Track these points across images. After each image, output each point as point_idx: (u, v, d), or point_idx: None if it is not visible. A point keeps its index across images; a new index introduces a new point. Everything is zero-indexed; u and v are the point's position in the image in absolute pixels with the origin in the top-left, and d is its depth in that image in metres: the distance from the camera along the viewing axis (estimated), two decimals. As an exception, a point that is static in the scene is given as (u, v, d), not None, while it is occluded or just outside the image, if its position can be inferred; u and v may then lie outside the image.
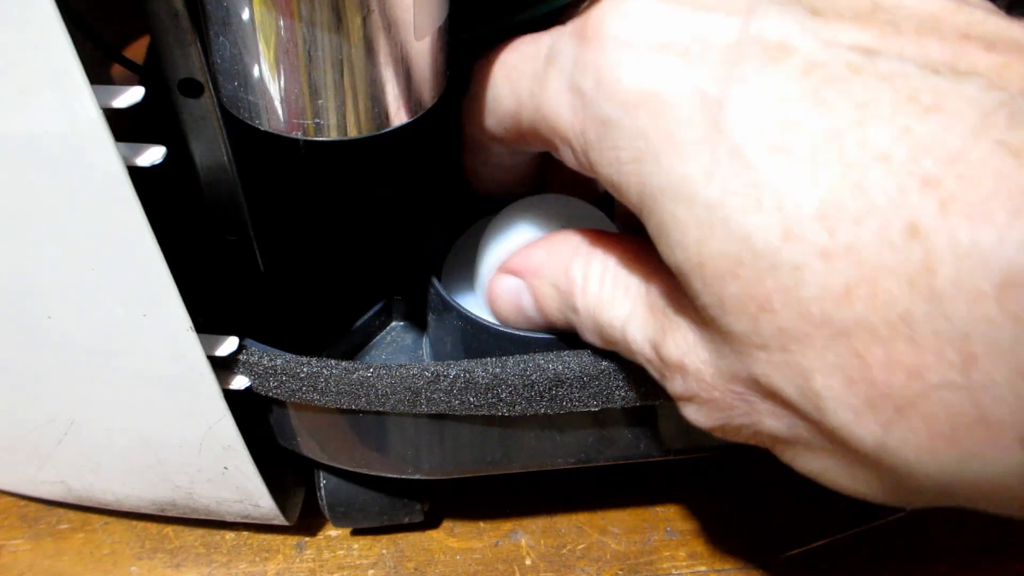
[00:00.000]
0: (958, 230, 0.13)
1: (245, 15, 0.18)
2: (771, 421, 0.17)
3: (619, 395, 0.24)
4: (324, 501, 0.31)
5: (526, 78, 0.21)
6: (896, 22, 0.16)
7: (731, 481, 0.36)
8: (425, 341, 0.31)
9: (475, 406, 0.24)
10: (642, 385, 0.24)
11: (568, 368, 0.24)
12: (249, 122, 0.21)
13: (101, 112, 0.19)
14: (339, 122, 0.20)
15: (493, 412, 0.25)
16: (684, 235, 0.16)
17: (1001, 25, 0.16)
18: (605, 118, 0.18)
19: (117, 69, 0.27)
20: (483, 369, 0.24)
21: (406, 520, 0.32)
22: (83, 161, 0.20)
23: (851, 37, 0.16)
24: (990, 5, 0.17)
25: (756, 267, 0.15)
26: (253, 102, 0.20)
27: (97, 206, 0.20)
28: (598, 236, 0.23)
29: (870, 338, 0.14)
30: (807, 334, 0.15)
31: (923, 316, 0.14)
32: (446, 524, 0.34)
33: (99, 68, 0.24)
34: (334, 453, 0.28)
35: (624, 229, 0.26)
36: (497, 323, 0.26)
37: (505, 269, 0.25)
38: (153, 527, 0.34)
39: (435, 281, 0.27)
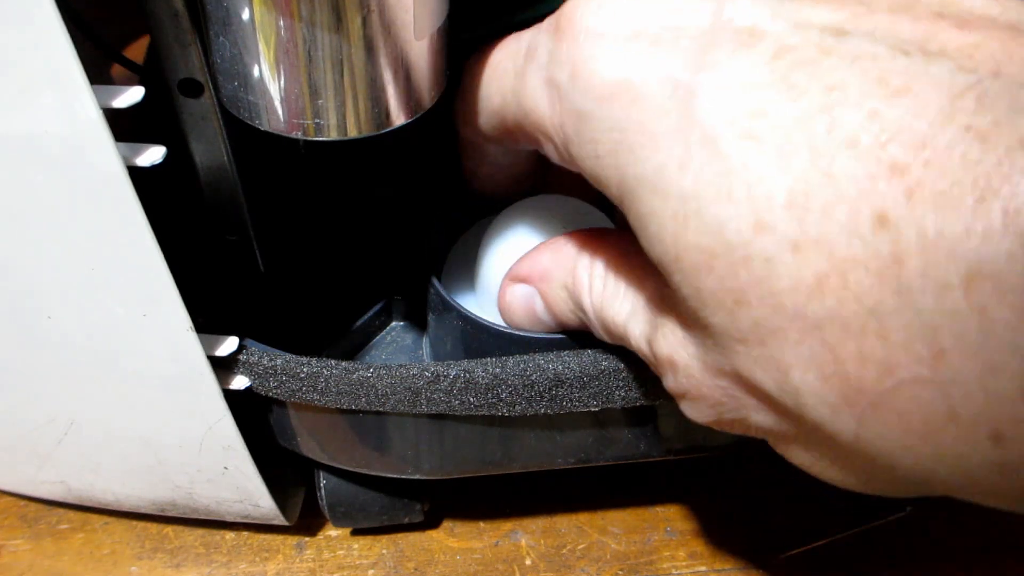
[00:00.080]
0: (925, 219, 0.13)
1: (245, 15, 0.18)
2: (758, 416, 0.17)
3: (619, 395, 0.24)
4: (324, 501, 0.31)
5: (508, 75, 0.21)
6: (868, 2, 0.16)
7: (731, 481, 0.36)
8: (425, 341, 0.31)
9: (475, 406, 0.24)
10: (642, 385, 0.24)
11: (568, 368, 0.24)
12: (249, 122, 0.21)
13: (101, 112, 0.19)
14: (339, 122, 0.20)
15: (493, 412, 0.25)
16: (661, 228, 0.16)
17: (975, 4, 0.15)
18: (581, 111, 0.18)
19: (117, 69, 0.27)
20: (483, 369, 0.24)
21: (406, 520, 0.32)
22: (83, 161, 0.20)
23: (823, 18, 0.15)
24: None
25: (729, 259, 0.15)
26: (253, 102, 0.20)
27: (97, 206, 0.20)
28: (601, 235, 0.23)
29: (842, 332, 0.14)
30: (782, 328, 0.15)
31: (892, 310, 0.13)
32: (446, 524, 0.34)
33: (99, 68, 0.24)
34: (334, 453, 0.28)
35: (623, 228, 0.26)
36: (497, 323, 0.26)
37: (514, 277, 0.25)
38: (153, 527, 0.34)
39: (435, 281, 0.27)
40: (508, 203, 0.27)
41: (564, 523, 0.34)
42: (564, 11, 0.18)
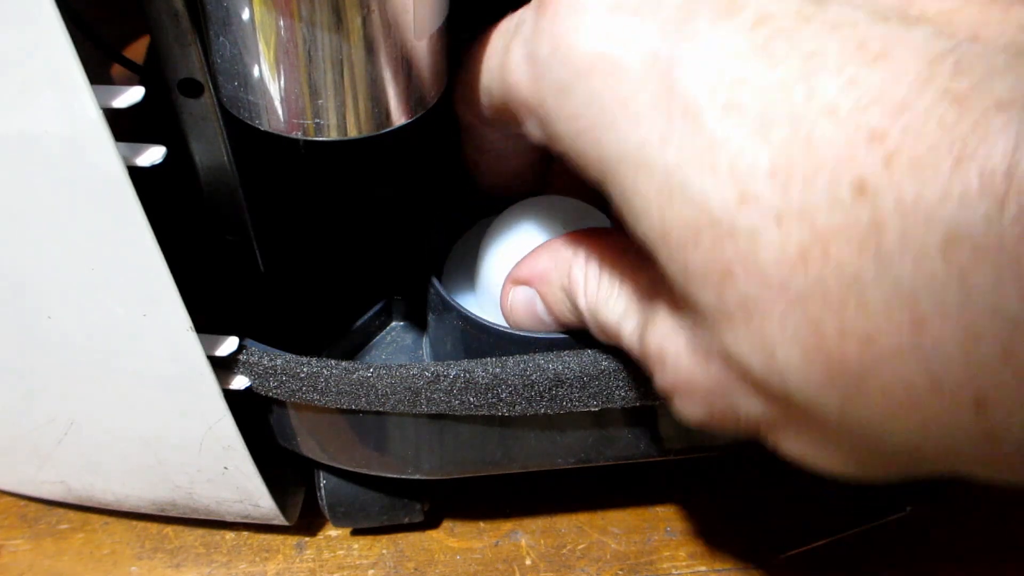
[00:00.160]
0: (903, 185, 0.13)
1: (245, 15, 0.18)
2: (748, 403, 0.17)
3: (619, 395, 0.24)
4: (324, 501, 0.31)
5: (497, 52, 0.21)
6: None
7: (731, 481, 0.36)
8: (425, 341, 0.31)
9: (475, 406, 0.25)
10: (642, 385, 0.24)
11: (568, 368, 0.24)
12: (249, 122, 0.21)
13: (101, 112, 0.19)
14: (339, 122, 0.20)
15: (493, 412, 0.25)
16: (646, 204, 0.16)
17: None
18: (561, 85, 0.18)
19: (117, 69, 0.27)
20: (483, 369, 0.24)
21: (406, 520, 0.32)
22: (83, 161, 0.20)
23: None
24: None
25: (715, 233, 0.15)
26: (253, 102, 0.20)
27: (97, 206, 0.20)
28: (596, 235, 0.23)
29: (823, 305, 0.14)
30: (768, 302, 0.15)
31: (872, 279, 0.13)
32: (446, 524, 0.34)
33: (99, 68, 0.24)
34: (334, 453, 0.28)
35: (618, 226, 0.26)
36: (497, 323, 0.26)
37: (515, 279, 0.25)
38: (153, 527, 0.34)
39: (435, 281, 0.27)
40: (508, 203, 0.27)
41: (564, 523, 0.34)
42: None
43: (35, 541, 0.33)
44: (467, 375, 0.24)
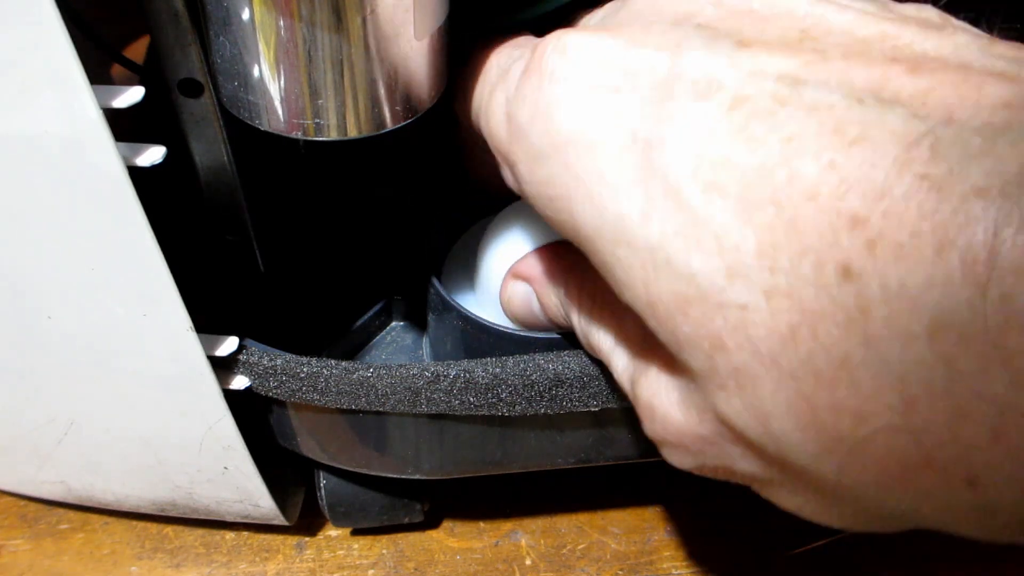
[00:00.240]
0: (887, 271, 0.13)
1: (245, 15, 0.18)
2: (743, 463, 0.17)
3: (619, 395, 0.24)
4: (324, 501, 0.31)
5: (488, 84, 0.21)
6: (823, 49, 0.16)
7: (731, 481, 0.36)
8: (425, 341, 0.31)
9: (475, 406, 0.25)
10: (642, 385, 0.24)
11: (568, 368, 0.24)
12: (249, 122, 0.21)
13: (101, 112, 0.19)
14: (339, 122, 0.20)
15: (493, 412, 0.25)
16: (629, 276, 0.16)
17: (929, 44, 0.15)
18: (537, 152, 0.18)
19: (117, 69, 0.27)
20: (483, 369, 0.24)
21: (406, 520, 0.32)
22: (83, 161, 0.20)
23: (778, 67, 0.15)
24: (928, 17, 0.17)
25: (704, 307, 0.15)
26: (253, 102, 0.20)
27: (97, 206, 0.20)
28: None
29: (815, 381, 0.14)
30: (759, 375, 0.15)
31: (861, 360, 0.13)
32: (446, 524, 0.34)
33: (99, 68, 0.24)
34: (334, 453, 0.28)
35: None
36: (497, 323, 0.26)
37: (515, 274, 0.25)
38: (153, 527, 0.34)
39: (435, 281, 0.27)
40: (508, 203, 0.27)
41: (564, 523, 0.34)
42: (537, 48, 0.18)
43: (35, 541, 0.33)
44: (467, 375, 0.24)
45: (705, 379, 0.16)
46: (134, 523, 0.34)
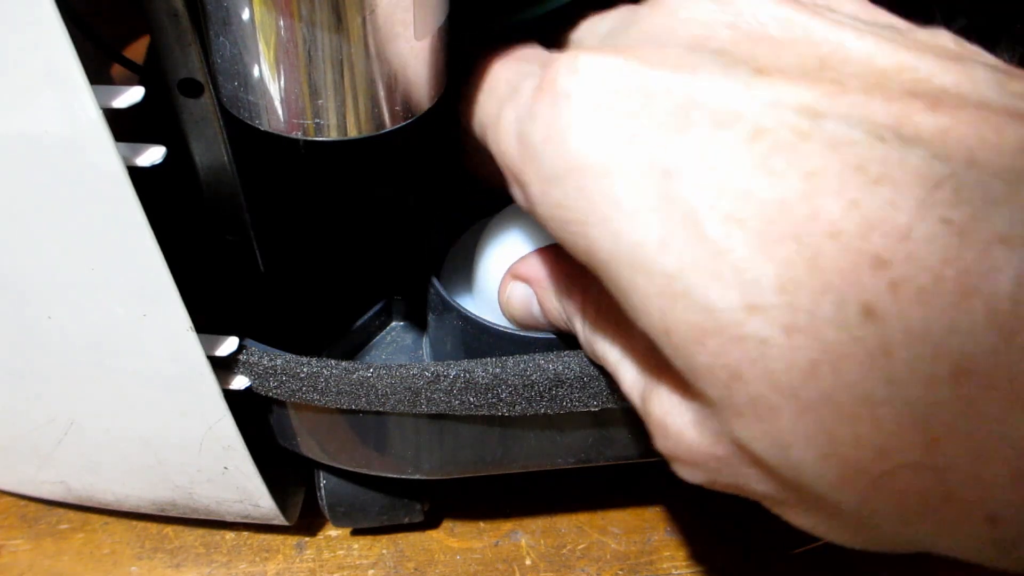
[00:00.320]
0: (910, 314, 0.13)
1: (245, 15, 0.18)
2: (757, 484, 0.17)
3: (619, 395, 0.24)
4: (324, 501, 0.31)
5: (496, 100, 0.21)
6: (842, 80, 0.16)
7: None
8: (425, 341, 0.31)
9: (475, 406, 0.25)
10: (642, 385, 0.24)
11: (568, 368, 0.24)
12: (249, 122, 0.21)
13: (101, 112, 0.19)
14: (339, 122, 0.20)
15: (493, 412, 0.25)
16: (645, 303, 0.16)
17: (948, 78, 0.15)
18: (550, 175, 0.17)
19: (117, 69, 0.27)
20: (483, 369, 0.24)
21: (406, 520, 0.32)
22: (83, 161, 0.20)
23: (797, 97, 0.15)
24: (944, 45, 0.16)
25: (722, 338, 0.15)
26: (253, 102, 0.20)
27: (97, 206, 0.20)
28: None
29: (836, 416, 0.14)
30: (779, 406, 0.15)
31: (883, 398, 0.14)
32: (446, 524, 0.34)
33: (99, 68, 0.24)
34: (334, 453, 0.28)
35: None
36: (497, 323, 0.26)
37: (515, 275, 0.25)
38: (153, 527, 0.34)
39: (435, 281, 0.27)
40: (508, 202, 0.27)
41: (564, 523, 0.34)
42: (550, 67, 0.18)
43: (35, 541, 0.33)
44: (467, 375, 0.24)
45: (722, 406, 0.16)
46: (134, 523, 0.34)
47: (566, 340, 0.25)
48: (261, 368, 0.25)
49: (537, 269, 0.24)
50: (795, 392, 0.14)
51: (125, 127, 0.20)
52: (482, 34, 0.23)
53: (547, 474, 0.31)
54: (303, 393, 0.25)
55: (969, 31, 0.17)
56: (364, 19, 0.18)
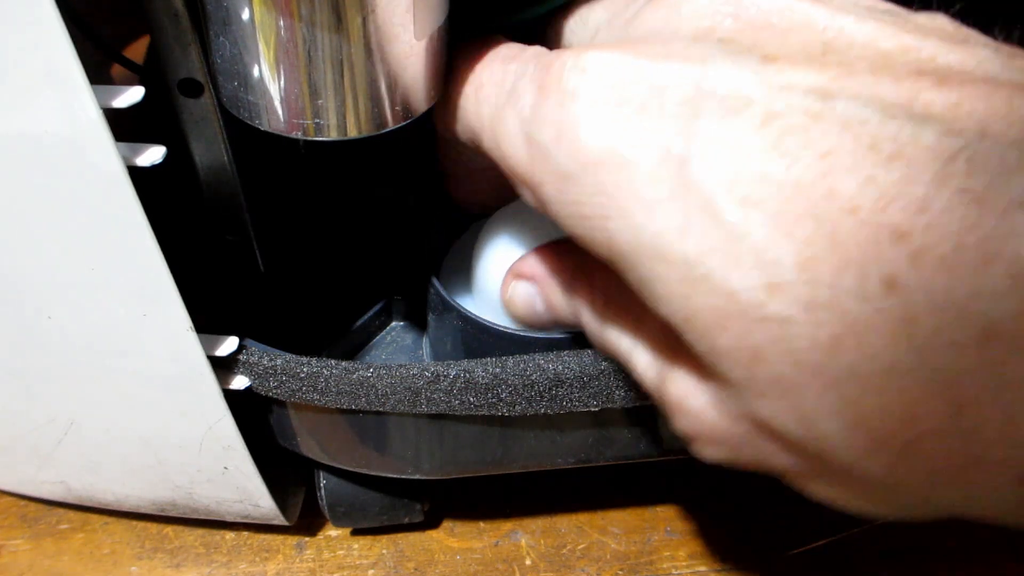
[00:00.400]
0: (933, 283, 0.13)
1: (245, 15, 0.18)
2: (779, 458, 0.17)
3: (619, 395, 0.24)
4: (324, 501, 0.31)
5: (489, 104, 0.21)
6: (848, 62, 0.16)
7: (731, 481, 0.36)
8: (425, 341, 0.31)
9: (475, 406, 0.24)
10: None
11: (568, 368, 0.24)
12: (249, 122, 0.21)
13: (101, 112, 0.19)
14: (339, 122, 0.20)
15: (493, 412, 0.25)
16: (667, 290, 0.16)
17: (952, 57, 0.16)
18: (564, 173, 0.18)
19: (117, 69, 0.27)
20: (483, 369, 0.24)
21: (406, 520, 0.32)
22: (83, 161, 0.20)
23: (806, 80, 0.16)
24: (944, 27, 0.17)
25: (744, 320, 0.15)
26: (253, 102, 0.20)
27: (97, 206, 0.20)
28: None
29: (861, 388, 0.14)
30: (803, 383, 0.15)
31: (908, 368, 0.14)
32: (446, 524, 0.34)
33: (99, 68, 0.24)
34: (334, 453, 0.28)
35: None
36: (497, 323, 0.26)
37: (517, 273, 0.25)
38: (153, 527, 0.34)
39: (435, 281, 0.27)
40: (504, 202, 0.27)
41: (564, 523, 0.34)
42: (551, 68, 0.18)
43: (35, 541, 0.33)
44: (467, 375, 0.24)
45: (743, 387, 0.16)
46: (134, 523, 0.34)
47: (572, 339, 0.25)
48: (261, 368, 0.25)
49: (539, 266, 0.24)
50: (819, 368, 0.15)
51: (125, 127, 0.20)
52: (472, 34, 0.23)
53: (547, 474, 0.31)
54: (303, 393, 0.25)
55: (965, 15, 0.17)
56: (364, 19, 0.18)
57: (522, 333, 0.25)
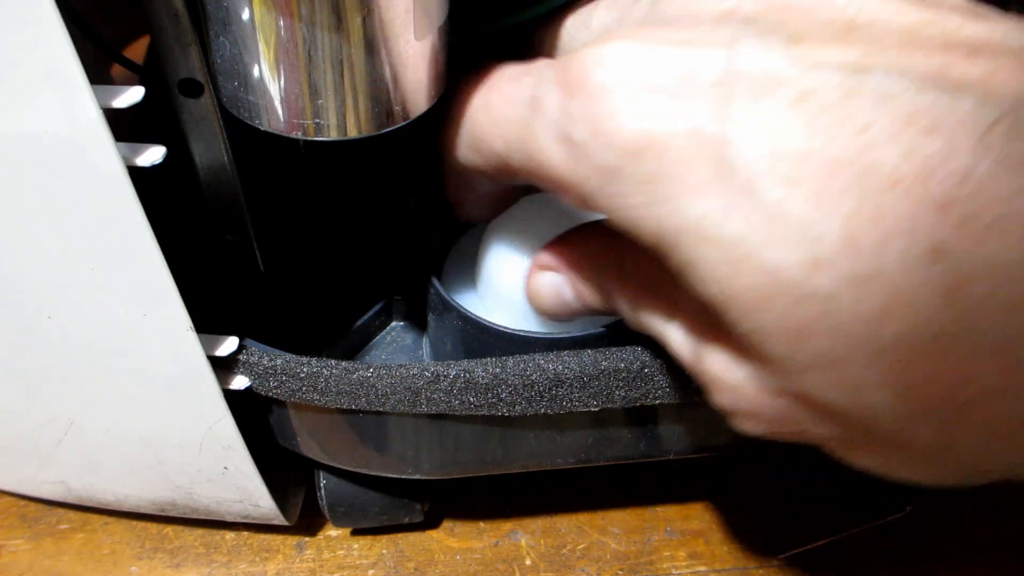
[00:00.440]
0: (979, 250, 0.14)
1: (245, 15, 0.18)
2: (820, 428, 0.17)
3: (619, 395, 0.24)
4: (324, 501, 0.31)
5: (512, 123, 0.21)
6: (876, 38, 0.16)
7: (731, 481, 0.36)
8: (425, 341, 0.31)
9: (475, 406, 0.24)
10: (642, 385, 0.24)
11: (568, 368, 0.24)
12: (249, 122, 0.21)
13: (101, 112, 0.19)
14: (339, 122, 0.20)
15: (493, 412, 0.25)
16: (712, 271, 0.16)
17: (977, 29, 0.16)
18: (607, 167, 0.18)
19: (117, 69, 0.27)
20: (483, 369, 0.24)
21: (406, 520, 0.32)
22: (83, 161, 0.20)
23: (837, 58, 0.16)
24: (960, 2, 0.17)
25: (788, 298, 0.15)
26: (253, 102, 0.20)
27: (97, 206, 0.20)
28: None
29: (909, 356, 0.14)
30: (849, 355, 0.15)
31: (956, 333, 0.14)
32: (446, 524, 0.34)
33: (99, 68, 0.24)
34: (334, 453, 0.28)
35: None
36: (497, 323, 0.26)
37: (542, 265, 0.24)
38: (153, 527, 0.34)
39: (435, 281, 0.27)
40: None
41: (564, 523, 0.34)
42: (572, 67, 0.18)
43: (35, 541, 0.33)
44: (467, 375, 0.24)
45: (786, 363, 0.16)
46: (134, 523, 0.34)
47: (567, 340, 0.25)
48: (261, 368, 0.25)
49: (564, 255, 0.24)
50: (865, 340, 0.15)
51: (125, 127, 0.20)
52: (482, 35, 0.23)
53: (547, 474, 0.31)
54: (303, 393, 0.25)
55: None
56: (364, 19, 0.18)
57: (522, 333, 0.25)
